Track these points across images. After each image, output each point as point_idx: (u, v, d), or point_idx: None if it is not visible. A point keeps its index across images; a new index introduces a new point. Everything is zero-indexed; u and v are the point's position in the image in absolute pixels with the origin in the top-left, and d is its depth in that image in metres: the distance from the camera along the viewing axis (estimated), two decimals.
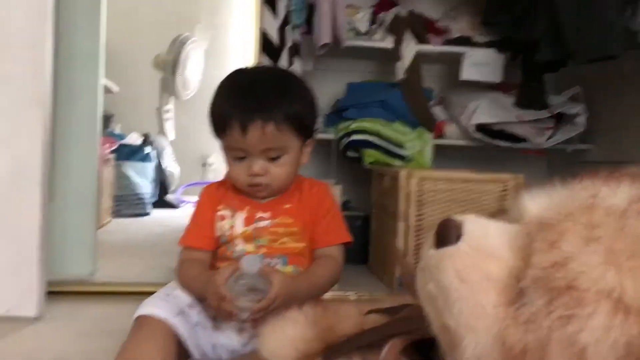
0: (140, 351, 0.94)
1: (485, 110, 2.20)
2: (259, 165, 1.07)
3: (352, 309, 0.69)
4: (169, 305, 1.04)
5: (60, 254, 1.70)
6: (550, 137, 2.23)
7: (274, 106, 1.05)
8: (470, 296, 0.46)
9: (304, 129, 1.11)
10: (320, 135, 2.21)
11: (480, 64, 2.22)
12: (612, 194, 0.46)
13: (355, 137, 2.12)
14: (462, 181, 1.82)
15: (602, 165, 1.84)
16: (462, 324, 0.46)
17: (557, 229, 0.44)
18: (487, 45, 2.22)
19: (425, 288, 0.50)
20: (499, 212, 0.55)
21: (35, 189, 1.39)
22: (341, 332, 0.65)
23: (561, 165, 2.43)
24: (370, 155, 2.12)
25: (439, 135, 2.27)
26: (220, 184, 1.20)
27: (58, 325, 1.39)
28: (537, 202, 0.50)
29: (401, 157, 2.12)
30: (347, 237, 1.17)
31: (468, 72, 2.21)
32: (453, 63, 2.27)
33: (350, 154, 2.19)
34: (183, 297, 1.09)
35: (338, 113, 2.27)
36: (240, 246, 1.13)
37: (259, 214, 1.14)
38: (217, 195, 1.17)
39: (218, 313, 1.02)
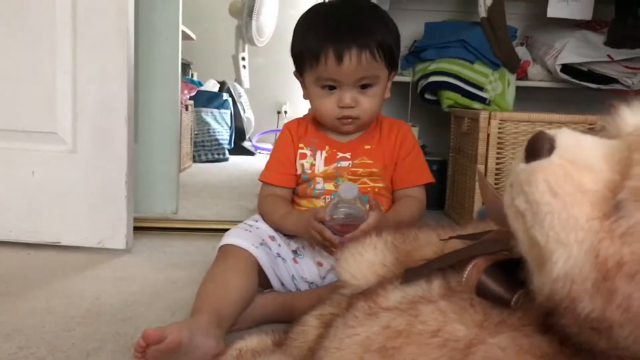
0: (225, 278, 0.98)
1: (572, 50, 2.08)
2: (350, 96, 1.07)
3: (432, 234, 0.68)
4: (251, 236, 1.07)
5: (146, 193, 1.78)
6: None
7: (369, 34, 1.05)
8: (563, 209, 0.44)
9: (393, 59, 1.11)
10: (398, 78, 2.17)
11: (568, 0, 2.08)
12: None
13: (433, 78, 2.07)
14: (545, 122, 1.74)
15: None
16: (553, 238, 0.43)
17: None
18: None
19: (513, 204, 0.47)
20: (595, 130, 0.51)
21: (122, 126, 1.45)
22: (421, 257, 0.65)
23: None
24: (449, 97, 2.06)
25: (522, 76, 2.18)
26: (301, 120, 1.21)
27: (145, 257, 1.47)
28: (637, 115, 0.47)
29: (482, 100, 2.05)
30: (430, 178, 1.17)
31: (555, 9, 2.08)
32: (539, 0, 2.15)
33: (428, 96, 2.14)
34: (264, 229, 1.12)
35: (416, 54, 2.21)
36: (320, 184, 1.15)
37: (340, 154, 1.15)
38: (297, 132, 1.19)
39: (316, 243, 1.04)
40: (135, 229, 1.57)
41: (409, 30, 2.30)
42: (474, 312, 0.51)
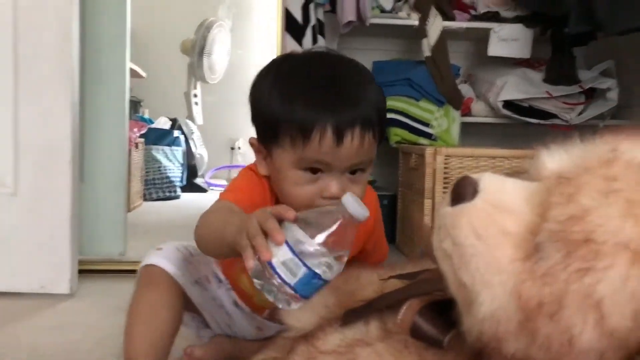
0: (157, 318, 0.90)
1: (513, 86, 2.16)
2: (338, 184, 0.84)
3: (373, 275, 0.69)
4: (183, 264, 0.96)
5: (92, 234, 1.74)
6: (581, 113, 2.18)
7: (371, 106, 0.84)
8: (486, 252, 0.46)
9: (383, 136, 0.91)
10: None
11: (508, 39, 2.17)
12: (633, 148, 0.45)
13: None
14: (488, 158, 1.80)
15: None
16: (478, 280, 0.45)
17: (575, 183, 0.43)
18: (515, 20, 2.18)
19: (441, 246, 0.49)
20: (517, 172, 0.54)
21: (65, 167, 1.43)
22: (362, 298, 0.66)
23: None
24: (396, 134, 2.11)
25: (467, 112, 2.25)
26: (261, 192, 0.91)
27: (91, 302, 1.43)
28: (555, 159, 0.50)
29: (428, 136, 2.10)
30: (386, 251, 1.06)
31: (496, 48, 2.17)
32: (480, 39, 2.24)
33: None
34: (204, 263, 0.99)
35: None
36: None
37: None
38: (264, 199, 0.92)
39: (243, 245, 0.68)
40: (81, 272, 1.53)
41: None
42: (409, 354, 0.53)
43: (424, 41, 2.12)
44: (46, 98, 1.42)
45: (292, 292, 0.64)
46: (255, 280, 0.65)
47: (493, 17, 2.20)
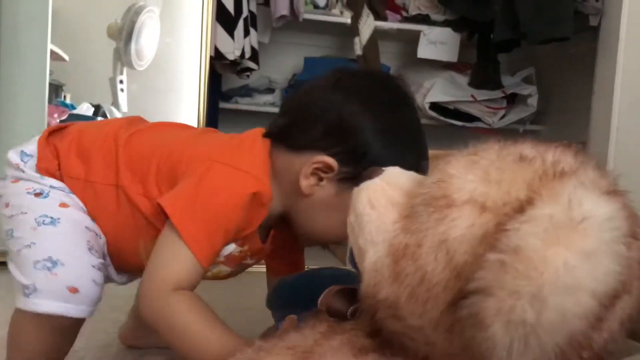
0: None
1: (440, 89, 2.22)
2: None
3: None
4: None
5: None
6: (502, 117, 2.27)
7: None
8: (377, 218, 0.55)
9: None
10: (276, 109, 2.20)
11: (436, 42, 2.23)
12: (507, 144, 0.53)
13: None
14: None
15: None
16: (368, 241, 0.55)
17: (447, 159, 0.53)
18: (444, 24, 2.24)
19: (349, 221, 0.59)
20: None
21: None
22: None
23: None
24: None
25: None
26: (255, 204, 0.78)
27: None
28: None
29: None
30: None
31: (425, 51, 2.22)
32: (410, 41, 2.28)
33: None
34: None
35: (295, 87, 2.25)
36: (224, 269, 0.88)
37: (248, 260, 0.87)
38: (247, 218, 0.79)
39: None
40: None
41: (289, 63, 2.34)
42: (321, 326, 0.60)
43: (356, 39, 2.13)
44: None
45: None
46: None
47: (423, 19, 2.25)
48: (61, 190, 0.83)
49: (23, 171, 0.84)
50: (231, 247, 0.82)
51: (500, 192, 0.47)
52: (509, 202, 0.46)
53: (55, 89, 3.43)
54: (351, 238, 0.58)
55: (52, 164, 0.84)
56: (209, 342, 0.70)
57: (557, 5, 1.81)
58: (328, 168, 0.78)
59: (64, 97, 3.63)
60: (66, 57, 3.11)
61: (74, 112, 3.38)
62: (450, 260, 0.47)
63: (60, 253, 0.76)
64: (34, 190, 0.82)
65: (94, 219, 0.83)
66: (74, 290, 0.75)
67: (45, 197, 0.81)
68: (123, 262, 0.87)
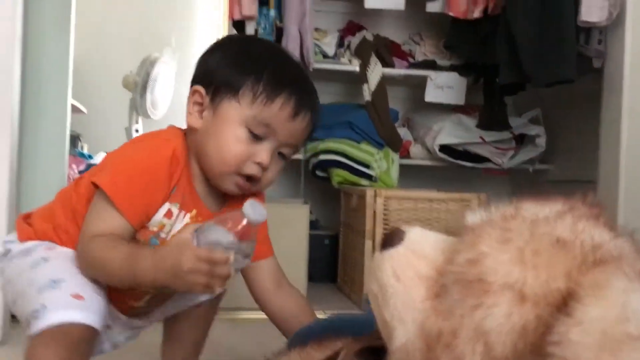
0: None
1: (449, 131, 2.26)
2: (269, 156, 0.87)
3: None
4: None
5: None
6: (512, 157, 2.30)
7: (320, 107, 0.94)
8: (403, 292, 0.52)
9: None
10: None
11: (443, 86, 2.29)
12: (537, 208, 0.52)
13: (323, 157, 2.16)
14: (426, 200, 1.86)
15: (563, 184, 1.90)
16: (396, 317, 0.52)
17: (477, 232, 0.50)
18: (450, 68, 2.30)
19: (370, 288, 0.56)
20: (452, 231, 0.59)
21: (2, 207, 1.39)
22: None
23: (524, 184, 2.50)
24: (338, 174, 2.16)
25: (405, 155, 2.33)
26: (175, 159, 0.88)
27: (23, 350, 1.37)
28: (476, 216, 0.55)
29: (368, 177, 2.16)
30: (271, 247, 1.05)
31: (432, 95, 2.27)
32: (417, 85, 2.34)
33: (319, 173, 2.23)
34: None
35: None
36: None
37: (208, 215, 0.92)
38: (175, 173, 0.88)
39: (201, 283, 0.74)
40: (13, 317, 1.47)
41: None
42: None
43: (365, 86, 2.19)
44: None
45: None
46: None
47: (430, 65, 2.32)
48: (42, 244, 0.89)
49: (10, 250, 0.90)
50: (183, 218, 0.89)
51: (538, 280, 0.45)
52: (549, 293, 0.44)
53: (73, 139, 3.52)
54: (374, 307, 0.55)
55: (28, 230, 0.92)
56: (115, 261, 0.79)
57: (560, 48, 1.86)
58: (199, 96, 0.89)
59: (81, 147, 3.72)
60: (84, 110, 3.21)
61: (91, 162, 3.45)
62: (488, 353, 0.45)
63: (60, 273, 0.83)
64: (23, 263, 0.88)
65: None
66: (78, 296, 0.80)
67: (29, 255, 0.88)
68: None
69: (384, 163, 2.18)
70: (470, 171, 2.33)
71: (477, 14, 2.08)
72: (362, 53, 2.23)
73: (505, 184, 2.59)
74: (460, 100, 2.28)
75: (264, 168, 0.88)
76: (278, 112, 0.86)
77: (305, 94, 0.89)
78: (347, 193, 2.13)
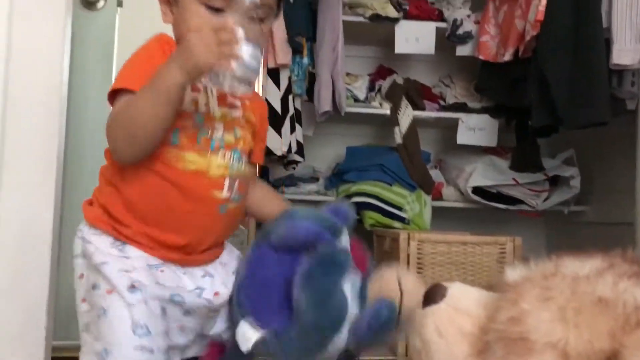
0: None
1: (481, 173, 2.26)
2: (237, 23, 0.83)
3: None
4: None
5: (68, 318, 1.71)
6: (546, 199, 2.28)
7: None
8: (446, 348, 0.54)
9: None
10: (321, 198, 2.27)
11: (475, 128, 2.30)
12: (576, 264, 0.52)
13: (355, 199, 2.17)
14: (460, 244, 1.85)
15: (599, 226, 1.86)
16: None
17: (518, 290, 0.51)
18: (482, 110, 2.31)
19: (413, 343, 0.58)
20: (492, 286, 0.60)
21: (45, 257, 1.43)
22: None
23: (558, 226, 2.47)
24: (370, 217, 2.16)
25: (438, 197, 2.33)
26: (165, 43, 0.90)
27: None
28: (516, 272, 0.56)
29: (401, 219, 2.16)
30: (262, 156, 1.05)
31: (464, 137, 2.28)
32: (449, 127, 2.35)
33: None
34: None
35: (338, 176, 2.33)
36: (219, 133, 0.89)
37: (231, 99, 0.91)
38: (167, 53, 0.86)
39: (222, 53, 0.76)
40: (55, 358, 1.50)
41: (332, 153, 2.44)
42: None
43: (396, 129, 2.22)
44: (29, 185, 1.44)
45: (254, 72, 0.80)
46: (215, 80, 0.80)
47: (461, 107, 2.33)
48: (104, 250, 0.88)
49: (89, 241, 0.89)
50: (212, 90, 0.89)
51: (581, 340, 0.46)
52: (593, 354, 0.45)
53: None
54: None
55: (95, 209, 0.91)
56: (141, 98, 0.80)
57: (592, 91, 1.85)
58: None
59: None
60: None
61: None
62: None
63: (111, 341, 0.84)
64: (89, 285, 0.89)
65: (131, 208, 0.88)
66: None
67: (97, 289, 0.87)
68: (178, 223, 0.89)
69: (416, 205, 2.18)
70: (503, 213, 2.31)
71: (507, 57, 2.09)
72: (393, 96, 2.26)
73: (540, 226, 2.56)
74: (492, 142, 2.29)
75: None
76: None
77: None
78: (379, 236, 2.13)
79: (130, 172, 0.87)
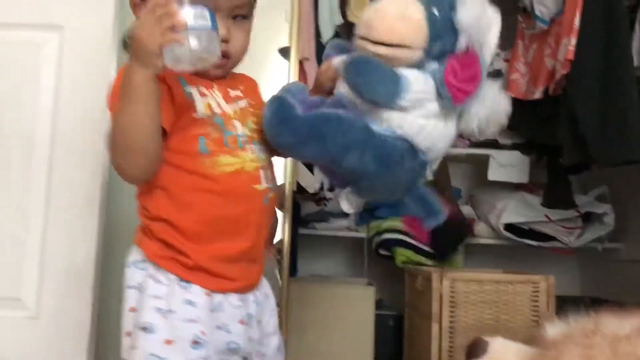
0: None
1: (513, 210, 2.26)
2: (223, 26, 0.86)
3: None
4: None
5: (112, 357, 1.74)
6: (579, 236, 2.26)
7: None
8: None
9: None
10: (352, 234, 2.29)
11: (506, 165, 2.30)
12: (616, 323, 0.53)
13: (386, 235, 2.19)
14: (493, 282, 1.85)
15: (633, 263, 1.85)
16: None
17: (559, 348, 0.52)
18: (513, 147, 2.32)
19: None
20: (532, 340, 0.62)
21: (87, 291, 1.48)
22: None
23: (592, 263, 2.44)
24: (402, 254, 2.17)
25: (469, 233, 2.32)
26: None
27: None
28: (555, 329, 0.57)
29: (432, 256, 2.16)
30: None
31: (495, 173, 2.29)
32: (480, 163, 2.36)
33: (383, 252, 2.25)
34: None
35: (370, 211, 2.33)
36: (240, 129, 0.92)
37: (232, 92, 0.95)
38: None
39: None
40: None
41: None
42: None
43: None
44: (74, 222, 1.50)
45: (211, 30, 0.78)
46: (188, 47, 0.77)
47: (491, 144, 2.34)
48: (174, 295, 0.88)
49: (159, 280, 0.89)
50: (217, 93, 0.91)
51: None
52: None
53: None
54: None
55: (153, 243, 0.91)
56: (123, 104, 0.81)
57: (625, 127, 1.85)
58: (132, 3, 0.92)
59: None
60: None
61: None
62: None
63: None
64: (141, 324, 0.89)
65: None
66: None
67: (151, 332, 0.88)
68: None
69: None
70: (536, 250, 2.30)
71: (537, 95, 2.11)
72: None
73: (573, 263, 2.53)
74: (524, 179, 2.29)
75: (226, 40, 0.87)
76: None
77: None
78: (411, 273, 2.13)
79: (177, 200, 0.89)
